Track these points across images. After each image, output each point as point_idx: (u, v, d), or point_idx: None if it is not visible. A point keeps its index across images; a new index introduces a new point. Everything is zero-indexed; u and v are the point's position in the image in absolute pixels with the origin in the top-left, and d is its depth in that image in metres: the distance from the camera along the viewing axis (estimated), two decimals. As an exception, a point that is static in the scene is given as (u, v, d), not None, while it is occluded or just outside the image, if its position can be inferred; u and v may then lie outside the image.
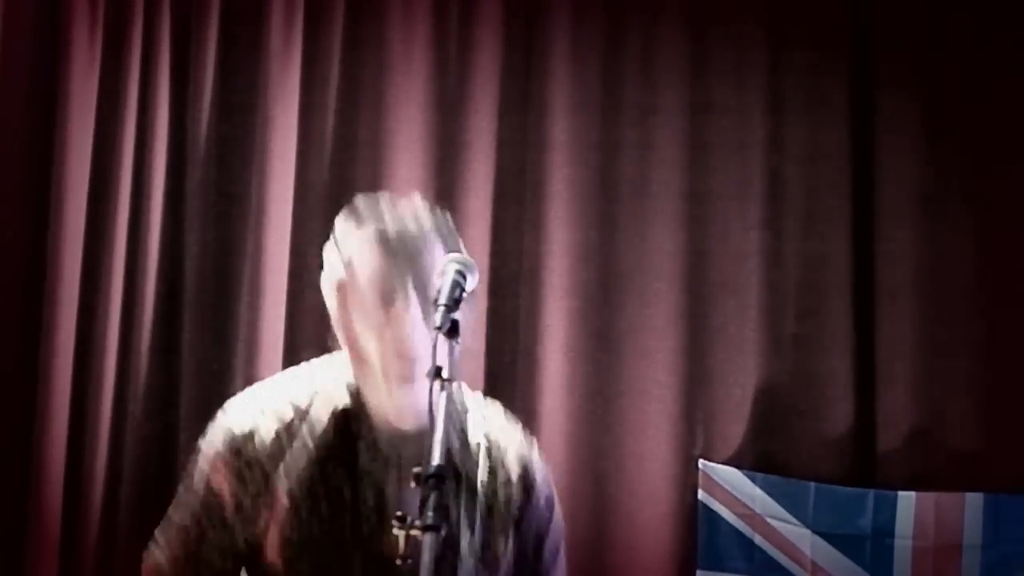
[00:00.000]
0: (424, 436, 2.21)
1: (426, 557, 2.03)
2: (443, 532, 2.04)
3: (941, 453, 4.79)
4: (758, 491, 4.73)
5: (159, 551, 2.52)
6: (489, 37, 4.98)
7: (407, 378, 2.40)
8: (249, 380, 3.77)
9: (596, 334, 4.87)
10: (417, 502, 2.14)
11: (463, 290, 2.30)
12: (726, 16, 4.98)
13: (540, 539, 2.59)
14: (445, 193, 4.84)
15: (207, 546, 2.47)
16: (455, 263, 2.32)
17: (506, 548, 2.49)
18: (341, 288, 2.43)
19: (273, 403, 2.50)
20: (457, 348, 2.23)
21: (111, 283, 4.77)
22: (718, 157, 4.95)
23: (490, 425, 2.56)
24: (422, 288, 2.39)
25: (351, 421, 2.47)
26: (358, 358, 2.44)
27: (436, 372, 2.18)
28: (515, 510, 2.53)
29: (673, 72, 4.96)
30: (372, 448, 2.45)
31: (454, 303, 2.26)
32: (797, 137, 4.94)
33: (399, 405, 2.42)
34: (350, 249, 2.44)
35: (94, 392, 4.74)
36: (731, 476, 4.75)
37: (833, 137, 4.93)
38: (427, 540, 2.05)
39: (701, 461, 4.79)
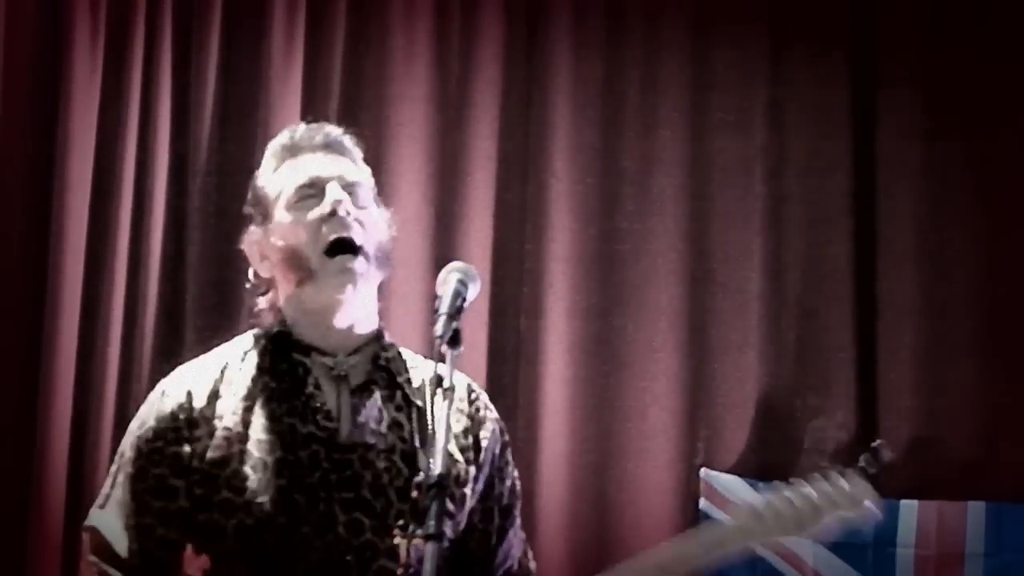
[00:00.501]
0: (361, 325, 2.36)
1: (428, 566, 2.01)
2: (445, 542, 2.03)
3: (943, 461, 4.78)
4: (759, 499, 4.71)
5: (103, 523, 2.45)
6: (490, 37, 4.98)
7: (348, 269, 2.39)
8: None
9: (597, 342, 4.86)
10: (367, 409, 2.27)
11: (464, 299, 2.29)
12: (727, 16, 5.00)
13: (501, 471, 2.56)
14: (447, 194, 4.83)
15: (149, 517, 2.41)
16: (456, 272, 2.32)
17: (461, 472, 2.46)
18: (260, 208, 2.49)
19: (199, 365, 2.50)
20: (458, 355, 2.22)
21: (113, 285, 4.75)
22: (719, 163, 4.97)
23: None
24: (355, 174, 2.47)
25: (283, 344, 2.45)
26: (295, 269, 2.43)
27: (438, 381, 2.17)
28: (466, 434, 2.51)
29: (674, 72, 4.98)
30: (309, 364, 2.43)
31: (456, 312, 2.25)
32: (799, 142, 4.95)
33: (339, 299, 2.40)
34: (264, 176, 2.51)
35: (96, 398, 4.72)
36: (733, 485, 4.74)
37: (834, 142, 4.95)
38: (429, 549, 2.03)
39: (703, 470, 4.78)
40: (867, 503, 2.47)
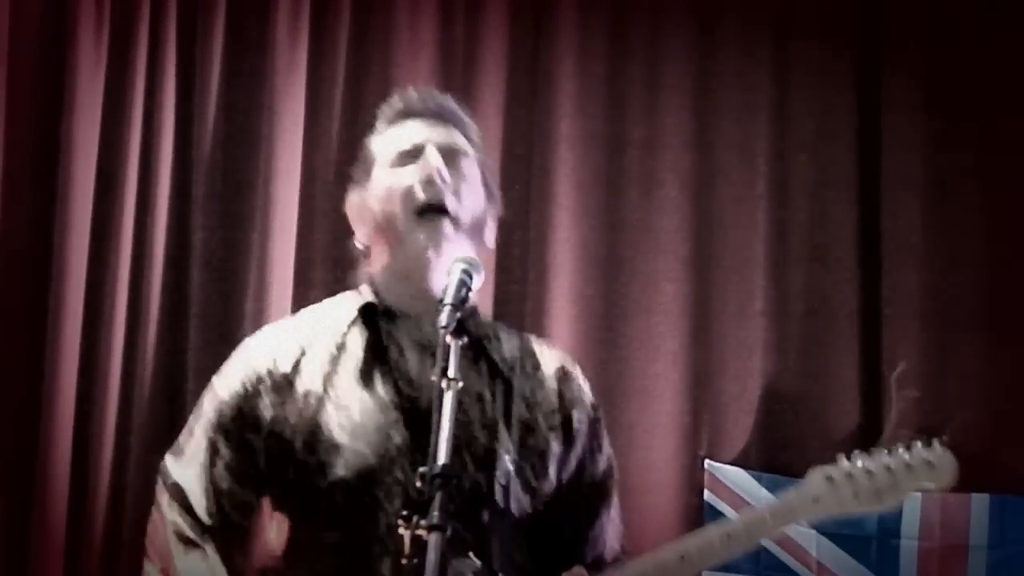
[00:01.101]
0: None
1: (431, 557, 2.01)
2: (448, 532, 2.03)
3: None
4: (764, 491, 4.72)
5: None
6: (495, 31, 4.99)
7: (436, 227, 2.40)
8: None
9: (601, 334, 4.87)
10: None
11: (469, 289, 2.30)
12: (732, 13, 5.01)
13: (591, 451, 2.56)
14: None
15: (229, 480, 2.44)
16: (461, 263, 2.32)
17: (549, 448, 2.46)
18: (364, 170, 2.51)
19: (287, 326, 2.54)
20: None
21: (117, 282, 4.76)
22: (723, 153, 4.97)
23: (530, 343, 2.56)
24: (462, 144, 2.49)
25: (372, 311, 2.45)
26: (387, 231, 2.44)
27: (442, 371, 2.16)
28: (556, 412, 2.50)
29: (679, 61, 5.00)
30: (396, 332, 2.44)
31: (460, 302, 2.25)
32: (803, 136, 4.96)
33: (426, 259, 2.41)
34: (374, 139, 2.53)
35: (100, 391, 4.73)
36: (737, 476, 4.74)
37: (839, 136, 4.96)
38: (433, 540, 2.03)
39: (707, 461, 4.78)
40: (948, 470, 2.41)
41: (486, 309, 4.54)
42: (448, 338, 2.19)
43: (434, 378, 2.17)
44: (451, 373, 2.16)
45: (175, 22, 4.89)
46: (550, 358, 2.53)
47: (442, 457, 2.08)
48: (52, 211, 4.78)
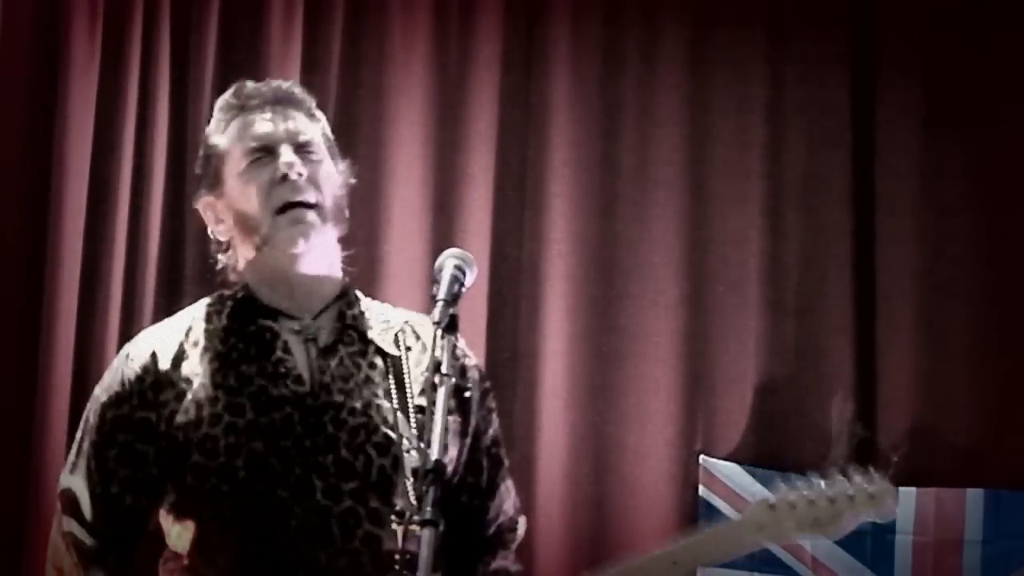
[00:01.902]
0: (323, 283, 2.35)
1: (425, 552, 1.99)
2: (441, 527, 2.01)
3: (942, 449, 4.79)
4: (758, 486, 4.70)
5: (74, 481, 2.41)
6: (489, 32, 4.98)
7: (302, 221, 2.36)
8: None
9: (597, 330, 4.87)
10: (336, 368, 2.25)
11: (462, 285, 2.28)
12: (726, 14, 5.00)
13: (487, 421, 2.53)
14: (446, 187, 4.87)
15: (116, 486, 2.39)
16: (454, 258, 2.30)
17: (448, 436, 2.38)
18: (211, 171, 2.44)
19: (164, 327, 2.48)
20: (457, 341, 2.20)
21: (111, 281, 4.77)
22: (718, 155, 4.97)
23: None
24: (307, 130, 2.43)
25: (248, 308, 2.42)
26: (250, 234, 2.40)
27: (435, 367, 2.15)
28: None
29: (673, 61, 4.99)
30: (277, 328, 2.40)
31: (453, 298, 2.24)
32: (797, 133, 4.96)
33: (293, 254, 2.37)
34: (214, 135, 2.46)
35: (95, 373, 4.69)
36: (731, 472, 4.74)
37: (834, 136, 4.96)
38: (426, 535, 2.01)
39: (702, 456, 4.78)
40: (889, 501, 2.42)
41: (482, 300, 4.64)
42: (439, 334, 2.17)
43: (426, 374, 2.15)
44: (444, 369, 2.14)
45: (168, 25, 4.92)
46: (425, 327, 2.42)
47: (434, 452, 2.06)
48: (46, 215, 4.76)
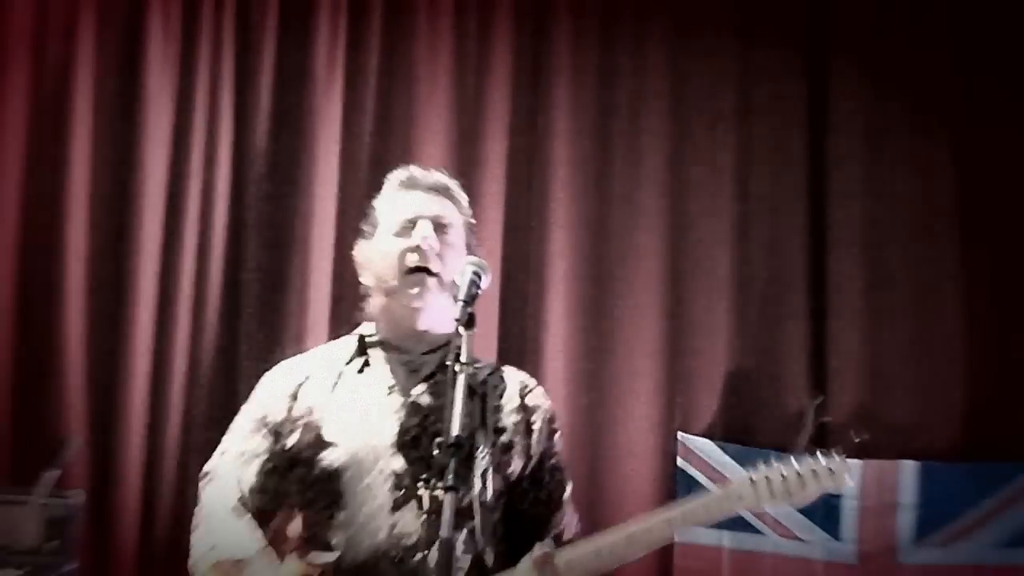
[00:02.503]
0: (424, 340, 2.49)
1: (447, 513, 2.06)
2: (461, 493, 2.03)
3: (881, 427, 4.84)
4: (727, 459, 4.80)
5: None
6: (502, 47, 5.03)
7: (422, 284, 2.51)
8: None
9: (592, 328, 4.95)
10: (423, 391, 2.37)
11: (479, 288, 2.33)
12: (701, 28, 5.04)
13: (546, 452, 2.65)
14: (464, 179, 4.85)
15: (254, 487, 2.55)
16: (472, 265, 2.36)
17: (513, 442, 2.57)
18: (372, 226, 2.62)
19: (303, 360, 2.66)
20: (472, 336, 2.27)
21: (182, 266, 4.80)
22: (695, 159, 5.02)
23: (508, 372, 2.72)
24: (450, 217, 2.60)
25: (366, 341, 2.60)
26: (383, 283, 2.56)
27: (455, 357, 2.18)
28: (518, 413, 2.62)
29: (656, 79, 5.03)
30: (393, 359, 2.56)
31: (471, 299, 2.30)
32: (762, 140, 5.01)
33: (409, 307, 2.51)
34: (381, 202, 2.65)
35: (168, 355, 4.76)
36: (705, 446, 4.83)
37: (792, 147, 5.01)
38: (448, 499, 2.09)
39: (679, 433, 4.88)
40: (846, 477, 2.47)
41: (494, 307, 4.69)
42: (461, 329, 2.20)
43: (448, 362, 2.19)
44: (463, 359, 2.18)
45: (232, 36, 4.92)
46: (514, 377, 2.66)
47: (455, 429, 2.10)
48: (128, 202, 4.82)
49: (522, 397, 2.61)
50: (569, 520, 2.66)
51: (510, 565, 2.47)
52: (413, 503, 2.36)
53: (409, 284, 2.47)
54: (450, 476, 2.09)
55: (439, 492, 2.09)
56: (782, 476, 2.52)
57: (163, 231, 4.81)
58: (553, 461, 2.63)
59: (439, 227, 2.53)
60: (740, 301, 4.95)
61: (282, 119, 4.92)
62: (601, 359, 4.92)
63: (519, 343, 4.87)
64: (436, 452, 2.12)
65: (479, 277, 2.35)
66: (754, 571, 4.73)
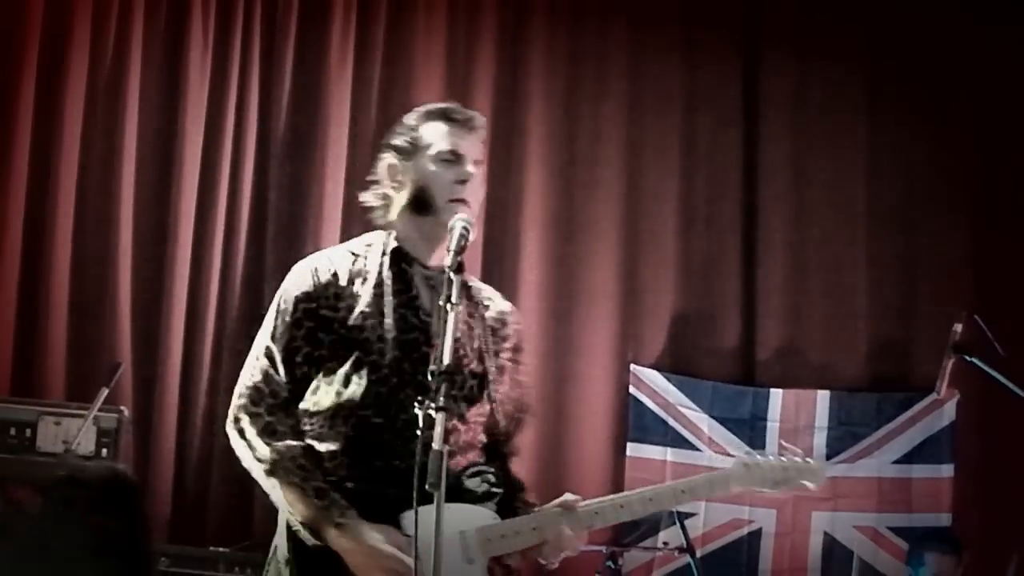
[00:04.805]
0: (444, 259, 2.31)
1: (438, 430, 2.04)
2: (452, 412, 2.02)
3: (801, 362, 4.88)
4: (672, 387, 4.82)
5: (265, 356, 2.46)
6: (487, 36, 4.98)
7: (463, 212, 2.39)
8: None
9: (559, 275, 4.94)
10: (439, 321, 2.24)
11: (467, 240, 2.30)
12: (652, 24, 5.04)
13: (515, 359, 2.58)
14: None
15: (299, 356, 2.42)
16: (461, 220, 2.32)
17: (506, 366, 2.50)
18: (413, 148, 2.49)
19: (337, 253, 2.52)
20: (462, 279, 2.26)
21: (216, 214, 4.76)
22: (650, 151, 4.99)
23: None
24: (480, 154, 2.50)
25: (398, 254, 2.48)
26: (422, 202, 2.44)
27: (447, 298, 2.16)
28: (511, 339, 2.53)
29: (615, 70, 4.99)
30: (412, 273, 2.46)
31: (460, 249, 2.28)
32: (704, 122, 4.99)
33: (448, 235, 2.35)
34: (425, 127, 2.50)
35: (203, 301, 4.73)
36: (653, 376, 4.86)
37: (728, 127, 4.99)
38: (440, 417, 2.06)
39: (632, 365, 4.90)
40: (821, 475, 2.48)
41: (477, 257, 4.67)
42: (452, 275, 2.18)
43: (440, 303, 2.16)
44: (453, 299, 2.16)
45: (259, 36, 4.87)
46: (499, 303, 2.55)
47: (446, 359, 2.08)
48: (169, 180, 4.79)
49: (505, 324, 2.53)
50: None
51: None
52: (410, 391, 2.28)
53: (451, 211, 2.38)
54: (441, 398, 2.04)
55: (431, 411, 2.09)
56: (771, 467, 2.50)
57: (199, 181, 4.76)
58: (519, 377, 2.54)
59: (475, 163, 2.46)
60: (683, 255, 4.93)
61: (299, 95, 4.86)
62: (566, 304, 4.88)
63: (498, 285, 4.85)
64: (430, 377, 2.11)
65: (467, 231, 2.30)
66: (692, 480, 4.77)
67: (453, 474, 2.29)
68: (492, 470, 2.34)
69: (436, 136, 2.47)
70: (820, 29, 5.01)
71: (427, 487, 2.01)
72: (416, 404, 2.10)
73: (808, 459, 2.52)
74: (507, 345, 2.51)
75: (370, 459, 2.33)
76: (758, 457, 2.52)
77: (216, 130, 4.82)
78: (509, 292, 4.82)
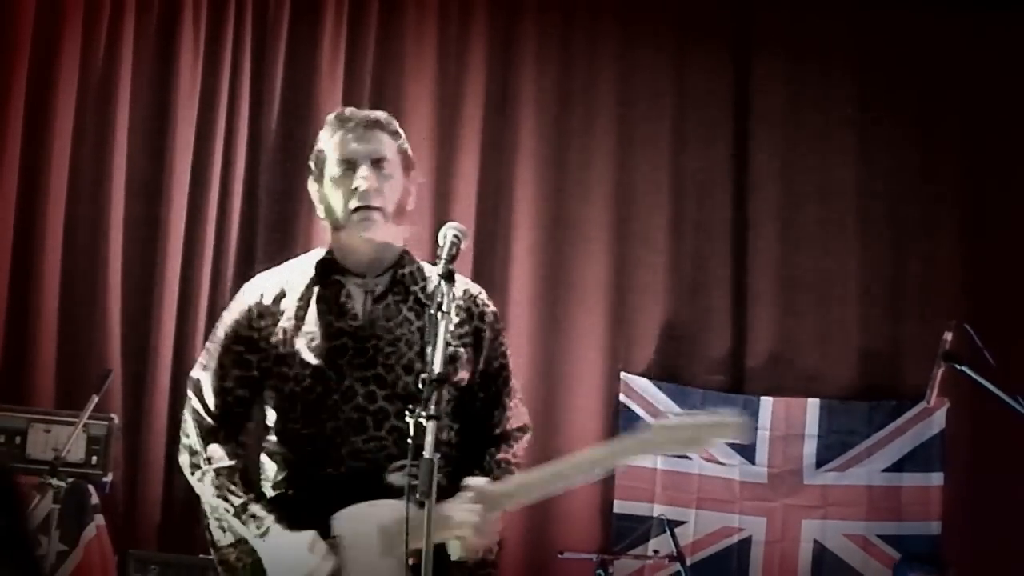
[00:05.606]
0: (383, 253, 2.36)
1: (429, 438, 2.02)
2: (443, 421, 2.00)
3: (791, 371, 4.86)
4: (662, 395, 4.82)
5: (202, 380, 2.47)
6: (478, 36, 4.97)
7: (368, 219, 2.38)
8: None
9: (549, 283, 4.91)
10: (383, 310, 2.29)
11: (458, 248, 2.27)
12: (643, 32, 5.03)
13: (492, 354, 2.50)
14: (444, 164, 4.85)
15: (231, 381, 2.43)
16: (453, 228, 2.29)
17: (459, 354, 2.40)
18: (318, 166, 2.48)
19: (270, 274, 2.52)
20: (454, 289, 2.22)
21: (208, 206, 4.73)
22: (639, 138, 4.98)
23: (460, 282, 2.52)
24: (384, 150, 2.43)
25: (327, 265, 2.46)
26: (332, 219, 2.44)
27: (438, 306, 2.14)
28: (466, 325, 2.44)
29: (606, 74, 4.99)
30: (344, 282, 2.43)
31: (451, 258, 2.24)
32: (694, 126, 4.99)
33: (361, 239, 2.39)
34: (322, 142, 2.49)
35: (195, 291, 4.70)
36: (643, 384, 4.85)
37: (718, 139, 4.99)
38: (430, 426, 2.03)
39: (622, 373, 4.88)
40: (736, 428, 2.41)
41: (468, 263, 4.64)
42: (443, 284, 2.17)
43: (431, 311, 2.15)
44: (444, 307, 2.13)
45: (251, 33, 4.84)
46: (459, 286, 2.40)
47: (438, 366, 2.06)
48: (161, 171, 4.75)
49: (468, 307, 2.44)
50: (517, 411, 2.52)
51: (465, 462, 2.38)
52: (368, 420, 2.28)
53: (357, 221, 2.37)
54: (432, 406, 2.01)
55: (422, 419, 2.07)
56: (683, 426, 2.46)
57: (190, 183, 4.73)
58: (499, 362, 2.48)
59: (375, 163, 2.39)
60: (674, 264, 4.91)
61: (290, 95, 4.83)
62: (557, 312, 4.85)
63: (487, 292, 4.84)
64: (420, 386, 2.08)
65: (459, 240, 2.26)
66: (683, 488, 4.73)
67: (376, 471, 2.29)
68: (416, 464, 2.17)
69: (331, 146, 2.44)
70: (811, 38, 5.03)
71: (417, 496, 2.00)
72: (407, 413, 2.08)
73: (723, 413, 2.45)
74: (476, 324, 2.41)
75: (304, 468, 2.36)
76: (671, 417, 2.50)
77: (207, 132, 4.77)
78: (499, 299, 4.90)
